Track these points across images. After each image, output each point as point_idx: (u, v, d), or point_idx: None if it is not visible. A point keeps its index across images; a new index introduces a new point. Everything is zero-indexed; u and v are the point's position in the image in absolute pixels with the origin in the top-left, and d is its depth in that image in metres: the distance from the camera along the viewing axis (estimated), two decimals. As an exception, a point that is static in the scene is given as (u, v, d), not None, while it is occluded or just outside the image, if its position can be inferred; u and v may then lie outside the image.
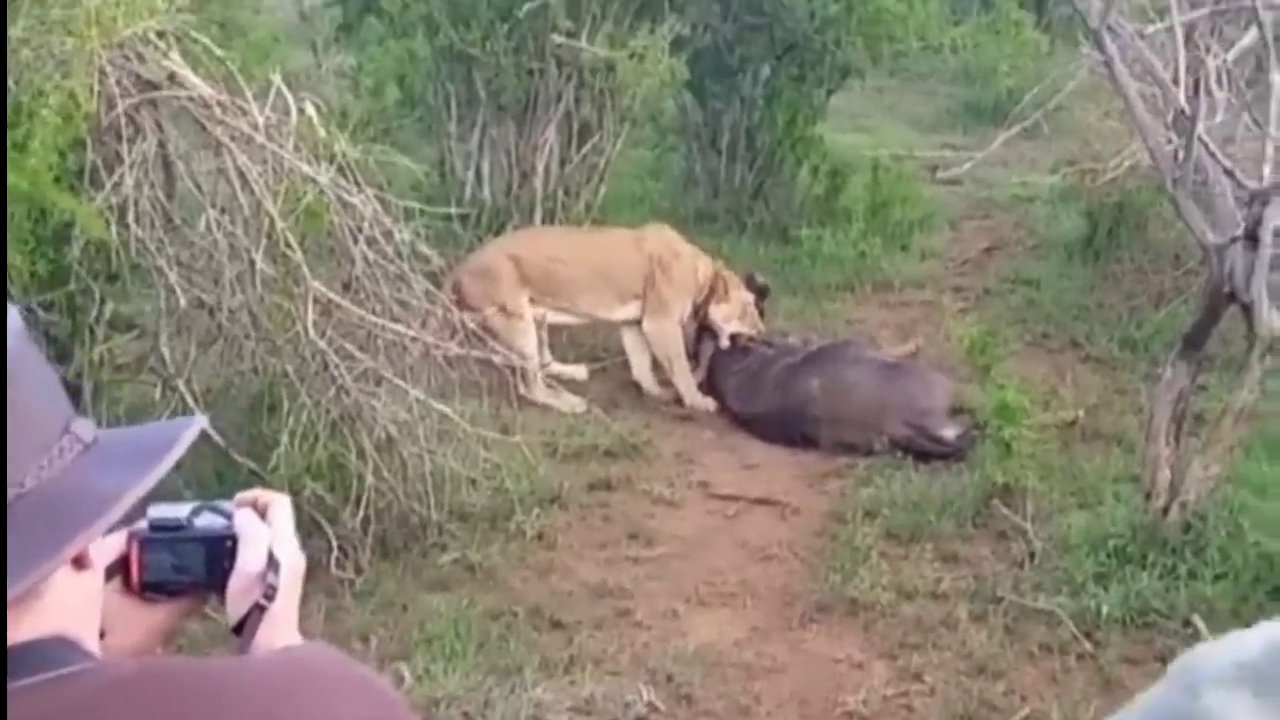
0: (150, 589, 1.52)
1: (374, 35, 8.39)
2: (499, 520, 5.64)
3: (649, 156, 9.35)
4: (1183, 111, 5.20)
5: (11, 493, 1.18)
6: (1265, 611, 4.65)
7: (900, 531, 5.68)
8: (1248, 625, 1.05)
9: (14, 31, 4.44)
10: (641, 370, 7.09)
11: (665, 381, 7.05)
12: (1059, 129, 9.21)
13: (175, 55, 4.87)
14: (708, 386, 7.00)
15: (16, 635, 1.19)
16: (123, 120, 4.80)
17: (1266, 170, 5.12)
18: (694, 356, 7.13)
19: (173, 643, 1.63)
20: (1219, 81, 5.44)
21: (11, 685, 1.16)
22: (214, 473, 5.11)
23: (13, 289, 4.66)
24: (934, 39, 8.37)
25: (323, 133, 5.15)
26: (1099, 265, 8.19)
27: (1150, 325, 7.42)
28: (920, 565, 5.48)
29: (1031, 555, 5.48)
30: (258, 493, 1.57)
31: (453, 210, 6.95)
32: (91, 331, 5.10)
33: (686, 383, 6.98)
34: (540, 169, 8.08)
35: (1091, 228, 8.35)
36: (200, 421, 1.36)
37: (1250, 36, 5.70)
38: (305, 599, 1.57)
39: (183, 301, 4.95)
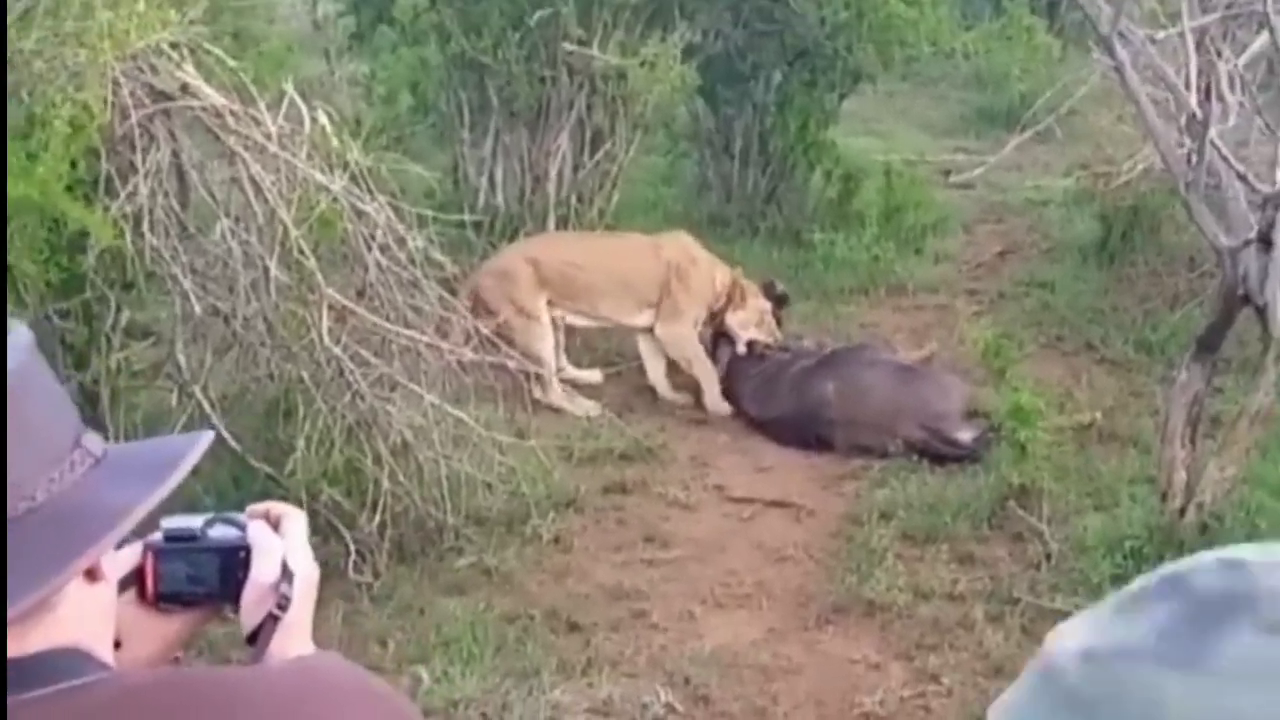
0: (165, 600, 1.52)
1: (386, 43, 8.39)
2: (515, 524, 5.65)
3: (661, 162, 9.34)
4: (1194, 116, 5.19)
5: (22, 506, 1.19)
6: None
7: (916, 533, 5.67)
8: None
9: (27, 44, 4.47)
10: (656, 375, 7.08)
11: (680, 386, 7.04)
12: (1072, 133, 9.15)
13: (189, 66, 4.89)
14: (724, 391, 6.99)
15: (29, 647, 1.20)
16: (137, 130, 4.82)
17: (1279, 174, 5.11)
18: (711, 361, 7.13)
19: (192, 647, 1.65)
20: (1231, 86, 5.44)
21: (25, 696, 1.17)
22: (231, 478, 5.15)
23: (29, 297, 4.70)
24: (945, 44, 8.33)
25: (336, 141, 5.17)
26: (1113, 268, 8.15)
27: (1165, 328, 7.38)
28: (936, 567, 5.48)
29: (1048, 557, 5.47)
30: (270, 505, 1.58)
31: (466, 217, 6.98)
32: (108, 339, 5.12)
33: (710, 381, 6.95)
34: (553, 175, 8.08)
35: (1105, 231, 8.31)
36: (209, 436, 1.37)
37: (1262, 41, 5.68)
38: (323, 604, 1.58)
39: (198, 309, 4.97)
